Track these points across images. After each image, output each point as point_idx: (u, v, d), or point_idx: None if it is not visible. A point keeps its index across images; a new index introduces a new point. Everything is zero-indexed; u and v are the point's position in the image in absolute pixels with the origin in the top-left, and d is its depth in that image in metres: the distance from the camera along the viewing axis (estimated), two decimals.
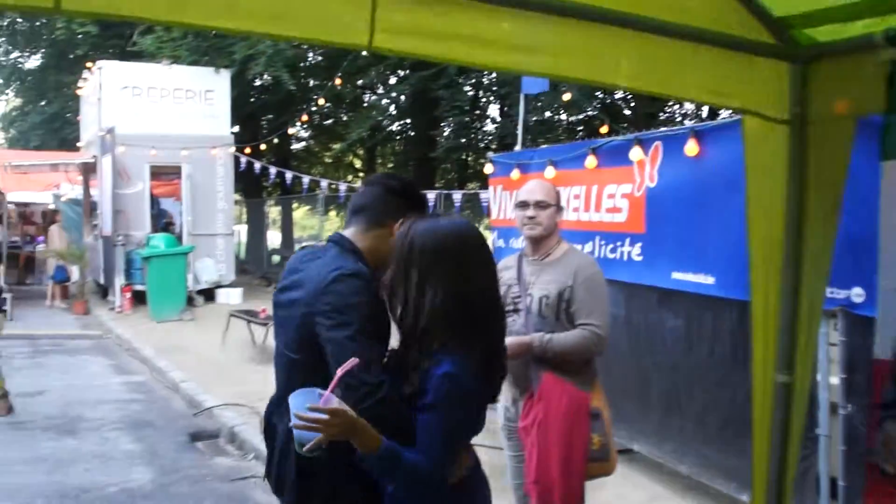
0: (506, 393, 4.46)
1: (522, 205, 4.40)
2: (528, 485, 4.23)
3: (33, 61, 32.26)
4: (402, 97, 26.02)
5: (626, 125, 19.31)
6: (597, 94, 21.32)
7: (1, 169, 21.10)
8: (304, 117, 22.97)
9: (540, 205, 4.33)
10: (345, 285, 2.72)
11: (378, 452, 2.38)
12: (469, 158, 32.07)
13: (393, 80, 26.07)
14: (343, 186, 19.79)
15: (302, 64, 25.47)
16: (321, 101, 23.61)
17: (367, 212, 3.01)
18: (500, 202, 8.96)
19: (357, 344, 2.61)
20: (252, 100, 27.63)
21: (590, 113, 22.05)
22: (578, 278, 4.23)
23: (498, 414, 4.60)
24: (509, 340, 4.17)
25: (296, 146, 37.18)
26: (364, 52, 22.04)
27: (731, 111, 5.90)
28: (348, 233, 3.00)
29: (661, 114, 22.23)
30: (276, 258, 29.13)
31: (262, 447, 7.39)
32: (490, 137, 27.73)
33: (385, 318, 2.79)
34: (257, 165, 19.65)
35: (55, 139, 30.34)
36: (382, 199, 3.01)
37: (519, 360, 4.16)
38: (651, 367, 6.41)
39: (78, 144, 23.03)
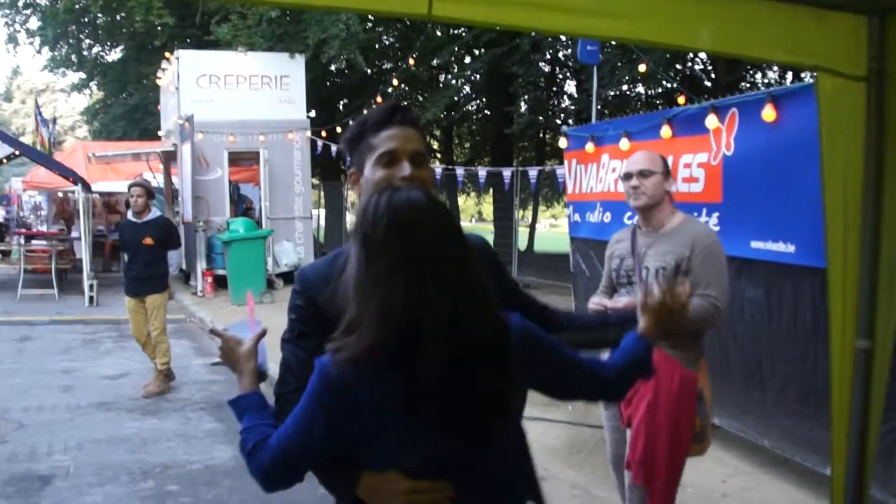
0: None
1: (626, 176, 4.34)
2: (633, 462, 4.19)
3: (114, 54, 32.96)
4: (477, 76, 25.96)
5: (706, 96, 18.99)
6: (675, 65, 20.98)
7: (85, 160, 21.59)
8: (379, 99, 23.01)
9: (643, 174, 4.26)
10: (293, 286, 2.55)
11: (236, 398, 2.33)
12: (546, 136, 31.92)
13: (467, 60, 25.99)
14: None
15: (375, 46, 25.54)
16: (395, 83, 23.64)
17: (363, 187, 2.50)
18: (576, 176, 8.88)
19: (283, 352, 2.44)
20: (327, 84, 27.84)
21: (668, 85, 21.68)
22: (696, 249, 4.15)
23: None
24: (624, 301, 4.16)
25: None
26: (429, 25, 22.10)
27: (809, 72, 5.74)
28: None
29: (741, 83, 21.74)
30: None
31: None
32: (567, 113, 27.50)
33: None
34: (334, 148, 19.73)
35: (136, 129, 30.93)
36: (348, 157, 2.56)
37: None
38: (730, 339, 6.28)
39: (158, 134, 23.44)
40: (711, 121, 6.23)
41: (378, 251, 2.04)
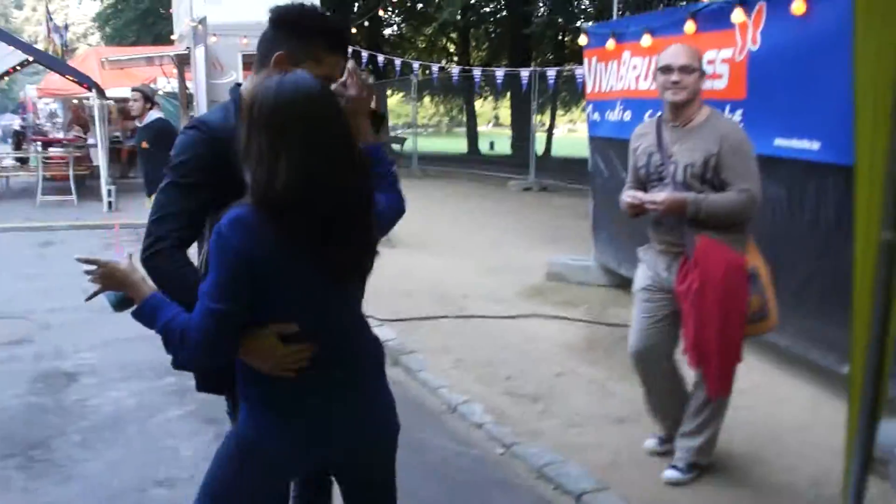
0: (655, 257, 4.52)
1: (666, 69, 4.28)
2: (687, 347, 4.27)
3: None
4: None
5: None
6: None
7: (99, 66, 21.40)
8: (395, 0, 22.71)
9: (685, 69, 4.22)
10: (180, 138, 2.67)
11: (138, 305, 2.38)
12: (565, 39, 31.51)
13: None
14: (435, 68, 19.66)
15: None
16: None
17: (258, 53, 2.69)
18: (596, 75, 8.78)
19: (164, 195, 2.59)
20: None
21: None
22: (725, 144, 4.15)
23: (637, 277, 4.68)
24: (663, 196, 4.17)
25: (387, 32, 36.94)
26: None
27: None
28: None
29: None
30: None
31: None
32: (587, 15, 27.11)
33: (234, 174, 2.36)
34: (349, 49, 19.56)
35: (149, 35, 30.73)
36: (266, 34, 2.68)
37: (672, 217, 4.22)
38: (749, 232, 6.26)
39: (171, 38, 23.22)
40: (737, 15, 6.11)
41: (266, 127, 2.22)
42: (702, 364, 4.25)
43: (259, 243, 2.20)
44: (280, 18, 2.64)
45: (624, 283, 8.62)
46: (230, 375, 2.47)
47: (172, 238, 2.52)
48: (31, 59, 19.43)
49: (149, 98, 9.88)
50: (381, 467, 2.67)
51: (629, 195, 4.44)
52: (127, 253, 2.52)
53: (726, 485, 4.54)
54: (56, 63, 20.56)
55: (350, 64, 2.69)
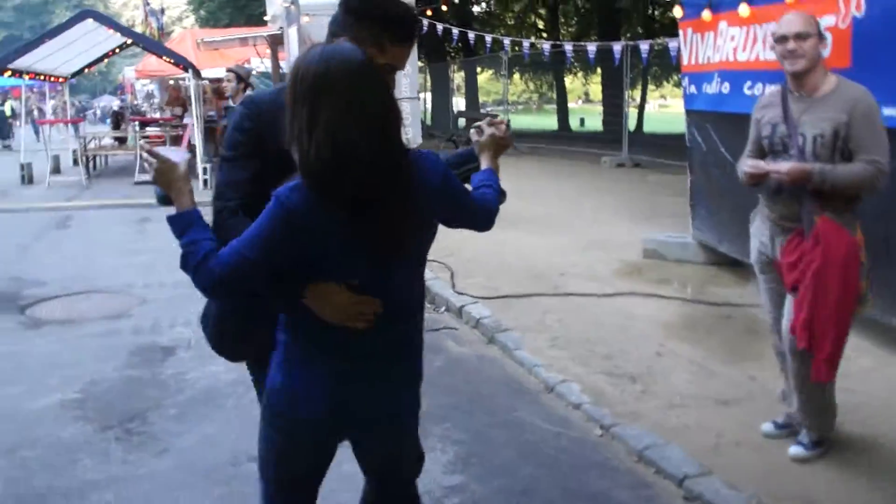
0: (762, 226, 4.44)
1: (781, 39, 4.14)
2: (797, 327, 4.12)
3: None
4: None
5: None
6: None
7: (194, 47, 21.73)
8: None
9: (800, 36, 4.07)
10: (235, 114, 2.76)
11: (176, 212, 2.45)
12: (656, 12, 31.02)
13: None
14: (526, 45, 19.46)
15: None
16: None
17: (327, 33, 2.69)
18: (692, 46, 8.54)
19: (220, 171, 2.72)
20: None
21: None
22: (856, 112, 3.99)
23: (751, 248, 4.59)
24: (787, 165, 4.03)
25: (476, 9, 36.79)
26: None
27: None
28: None
29: None
30: (461, 122, 29.08)
31: (453, 300, 7.51)
32: None
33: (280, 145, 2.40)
34: (440, 27, 19.45)
35: (242, 16, 31.13)
36: (336, 17, 2.68)
37: (793, 188, 4.07)
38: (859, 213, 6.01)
39: (265, 19, 23.41)
40: None
41: (304, 95, 2.26)
42: (813, 345, 4.08)
43: (307, 211, 2.28)
44: (349, 3, 2.64)
45: (724, 261, 8.42)
46: (255, 344, 2.70)
47: (231, 206, 2.62)
48: (129, 41, 19.86)
49: (242, 79, 9.95)
50: (397, 440, 2.74)
51: (751, 164, 4.27)
52: (186, 154, 2.60)
53: (841, 467, 4.37)
54: (153, 45, 20.93)
55: (489, 119, 3.06)
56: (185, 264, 2.36)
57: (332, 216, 2.29)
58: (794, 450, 4.44)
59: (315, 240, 2.32)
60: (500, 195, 2.86)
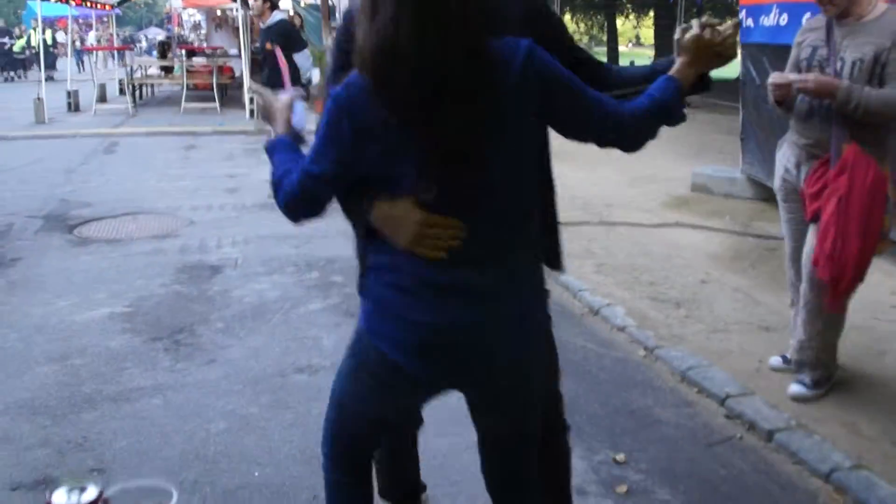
0: (788, 154, 4.31)
1: None
2: (821, 257, 4.01)
3: None
4: None
5: None
6: None
7: None
8: None
9: None
10: (337, 30, 2.59)
11: (270, 142, 2.39)
12: None
13: None
14: None
15: None
16: None
17: None
18: None
19: (326, 86, 2.45)
20: None
21: None
22: None
23: (775, 175, 4.46)
24: (813, 76, 3.94)
25: None
26: None
27: None
28: None
29: None
30: None
31: None
32: None
33: None
34: None
35: None
36: None
37: (823, 110, 3.97)
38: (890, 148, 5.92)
39: None
40: None
41: None
42: (835, 277, 3.98)
43: (363, 108, 2.04)
44: None
45: (771, 196, 8.23)
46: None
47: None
48: None
49: None
50: (515, 395, 2.33)
51: (775, 75, 4.17)
52: (297, 94, 2.56)
53: (869, 401, 4.33)
54: None
55: (730, 26, 2.32)
56: (272, 187, 2.25)
57: (384, 117, 2.03)
58: (795, 388, 4.34)
59: (376, 139, 2.05)
60: (664, 111, 2.23)
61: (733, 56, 2.34)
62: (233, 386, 4.54)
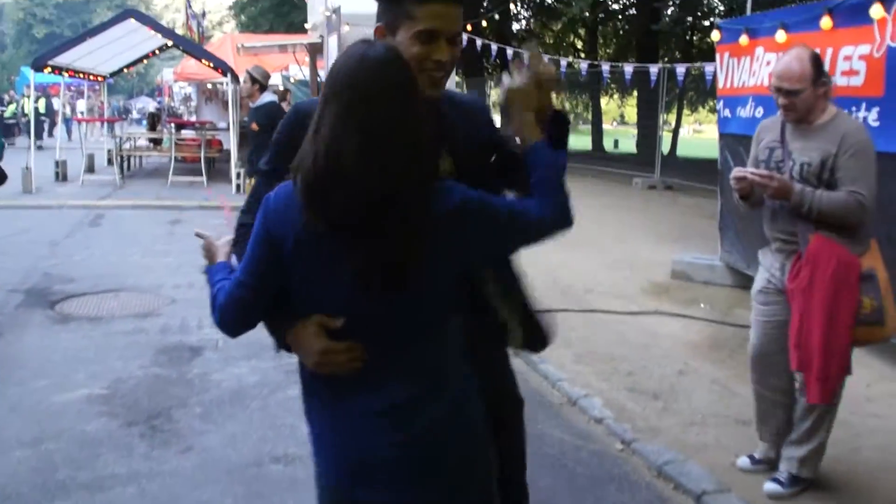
0: (771, 258, 4.38)
1: (776, 88, 4.14)
2: (790, 347, 4.09)
3: None
4: None
5: None
6: None
7: (234, 52, 21.93)
8: None
9: (791, 93, 4.06)
10: (280, 124, 2.55)
11: (210, 266, 2.44)
12: (695, 37, 31.00)
13: None
14: (563, 63, 19.48)
15: None
16: None
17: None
18: (728, 70, 8.57)
19: (256, 182, 2.60)
20: None
21: None
22: (844, 145, 3.98)
23: (757, 279, 4.53)
24: (777, 178, 4.02)
25: (516, 27, 36.91)
26: None
27: None
28: None
29: None
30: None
31: None
32: (717, 13, 26.65)
33: None
34: (478, 42, 19.52)
35: (283, 24, 31.37)
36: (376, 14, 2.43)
37: (786, 209, 4.08)
38: (884, 241, 5.98)
39: (305, 27, 23.61)
40: (877, 10, 5.89)
41: (326, 98, 2.05)
42: (803, 366, 4.06)
43: (290, 221, 2.07)
44: None
45: (750, 284, 8.36)
46: None
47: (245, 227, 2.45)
48: (170, 43, 20.04)
49: (257, 80, 10.07)
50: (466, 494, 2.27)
51: (736, 170, 4.27)
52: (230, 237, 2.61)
53: (846, 499, 4.33)
54: (193, 48, 21.15)
55: (533, 47, 2.44)
56: (210, 305, 2.29)
57: (311, 233, 2.05)
58: (770, 486, 4.33)
59: (300, 255, 2.09)
60: (557, 178, 2.31)
61: (552, 73, 2.37)
62: (208, 475, 4.52)
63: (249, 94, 9.88)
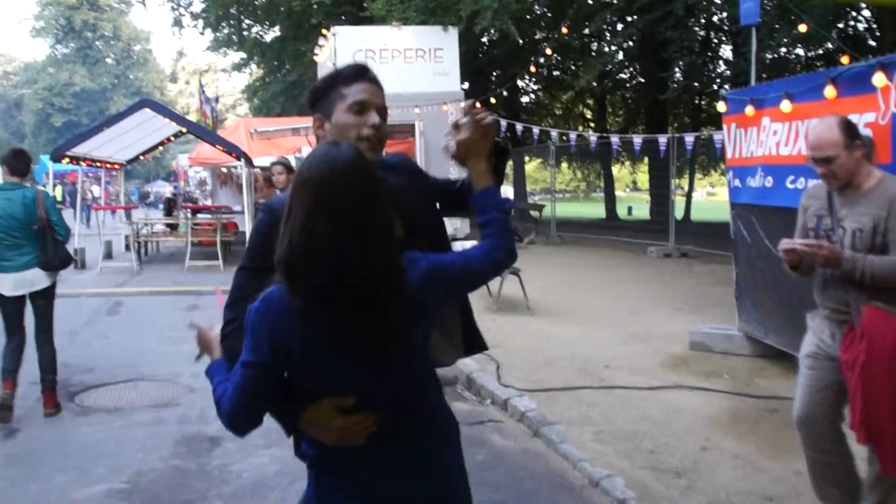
0: (821, 324, 4.38)
1: (812, 160, 4.22)
2: (855, 425, 4.06)
3: (273, 33, 33.99)
4: (630, 42, 25.53)
5: (870, 56, 18.10)
6: (837, 25, 20.11)
7: (247, 136, 22.23)
8: (533, 69, 22.89)
9: (828, 160, 4.13)
10: (257, 218, 2.73)
11: (211, 365, 2.55)
12: (702, 102, 31.21)
13: (620, 26, 25.58)
14: (573, 136, 19.65)
15: (527, 16, 25.41)
16: (548, 52, 23.48)
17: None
18: (736, 141, 8.61)
19: (237, 279, 2.68)
20: (480, 55, 27.89)
21: (829, 46, 20.82)
22: (894, 209, 4.02)
23: (805, 343, 4.51)
24: (826, 247, 4.04)
25: (525, 99, 37.28)
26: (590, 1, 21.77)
27: None
28: None
29: None
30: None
31: (498, 392, 7.48)
32: (723, 78, 26.88)
33: None
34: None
35: (295, 106, 31.75)
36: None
37: (838, 279, 4.10)
38: None
39: None
40: (879, 78, 5.94)
41: (296, 195, 2.23)
42: (872, 440, 4.03)
43: (282, 320, 2.24)
44: (309, 98, 2.72)
45: (770, 353, 8.36)
46: None
47: (241, 320, 2.45)
48: (184, 130, 20.32)
49: (291, 170, 10.15)
50: None
51: (784, 241, 4.28)
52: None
53: None
54: (207, 134, 21.43)
55: (465, 103, 2.68)
56: (216, 406, 2.41)
57: (304, 324, 2.24)
58: None
59: (286, 353, 2.27)
60: (506, 228, 2.53)
61: (489, 119, 2.62)
62: None
63: (285, 185, 9.95)
